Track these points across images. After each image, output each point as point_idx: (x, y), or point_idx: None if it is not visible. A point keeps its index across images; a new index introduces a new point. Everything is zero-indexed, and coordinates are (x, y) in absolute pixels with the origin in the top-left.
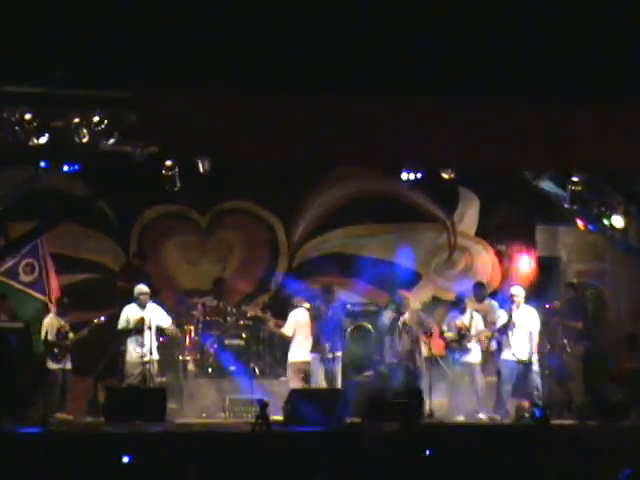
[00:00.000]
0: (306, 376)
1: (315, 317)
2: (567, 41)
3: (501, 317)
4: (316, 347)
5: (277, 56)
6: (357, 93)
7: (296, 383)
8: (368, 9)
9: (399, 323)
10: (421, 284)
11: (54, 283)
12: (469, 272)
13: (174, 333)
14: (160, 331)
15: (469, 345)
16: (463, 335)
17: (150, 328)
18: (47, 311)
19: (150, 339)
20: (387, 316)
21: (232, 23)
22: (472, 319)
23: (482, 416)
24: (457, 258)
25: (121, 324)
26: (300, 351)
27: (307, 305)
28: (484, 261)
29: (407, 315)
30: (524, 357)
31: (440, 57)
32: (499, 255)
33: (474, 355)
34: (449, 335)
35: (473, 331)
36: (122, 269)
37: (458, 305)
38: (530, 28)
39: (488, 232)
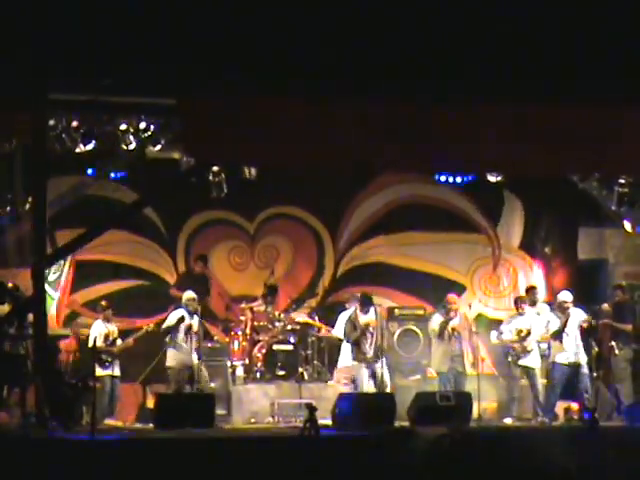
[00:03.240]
0: (354, 380)
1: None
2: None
3: (552, 321)
4: (358, 355)
5: (320, 60)
6: (403, 96)
7: (342, 387)
8: (420, 12)
9: (448, 327)
10: (465, 297)
11: (66, 293)
12: (513, 289)
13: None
14: (209, 336)
15: (529, 348)
16: (523, 338)
17: (198, 334)
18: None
19: (195, 346)
20: (436, 319)
21: (275, 30)
22: (532, 323)
23: (539, 419)
24: (501, 273)
25: (167, 323)
26: (349, 355)
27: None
28: (528, 277)
29: (457, 319)
30: (576, 359)
31: (485, 59)
32: (544, 268)
33: (534, 359)
34: (508, 338)
35: (533, 335)
36: (180, 277)
37: (517, 309)
38: (575, 27)
39: (533, 245)
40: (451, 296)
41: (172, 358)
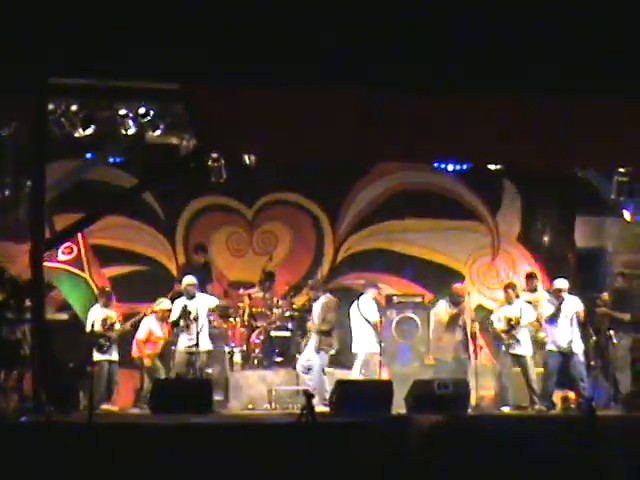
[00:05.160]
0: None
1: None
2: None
3: (547, 308)
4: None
5: (320, 51)
6: (402, 87)
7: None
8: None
9: (453, 314)
10: (465, 287)
11: (100, 275)
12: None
13: (221, 311)
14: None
15: (519, 337)
16: (512, 327)
17: (197, 319)
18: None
19: (197, 330)
20: (442, 307)
21: (282, 19)
22: (521, 311)
23: (537, 407)
24: (499, 264)
25: (172, 317)
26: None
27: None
28: (525, 269)
29: (462, 307)
30: (567, 347)
31: (485, 53)
32: (542, 256)
33: (525, 347)
34: (498, 327)
35: (523, 323)
36: (181, 269)
37: (506, 297)
38: (576, 23)
39: (531, 234)
40: (459, 286)
41: (181, 343)
